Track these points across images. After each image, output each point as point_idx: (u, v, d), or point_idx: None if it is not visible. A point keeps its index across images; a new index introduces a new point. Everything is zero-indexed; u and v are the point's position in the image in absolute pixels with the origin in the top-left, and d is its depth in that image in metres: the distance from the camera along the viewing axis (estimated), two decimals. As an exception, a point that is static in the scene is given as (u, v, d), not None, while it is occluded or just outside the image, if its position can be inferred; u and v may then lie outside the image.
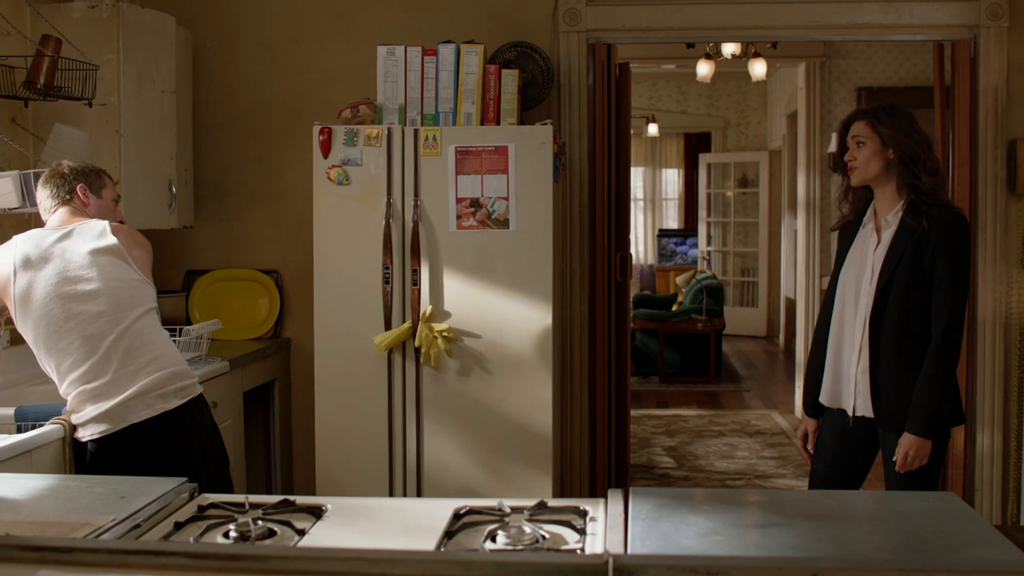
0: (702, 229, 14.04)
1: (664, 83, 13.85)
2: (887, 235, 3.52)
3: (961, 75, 4.94)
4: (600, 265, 4.96)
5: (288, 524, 2.13)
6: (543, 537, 2.02)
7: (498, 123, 4.33)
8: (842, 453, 3.62)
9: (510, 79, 4.38)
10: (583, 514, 2.16)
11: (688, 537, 1.92)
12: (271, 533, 2.10)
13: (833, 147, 7.42)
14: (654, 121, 13.70)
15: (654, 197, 15.15)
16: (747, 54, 8.71)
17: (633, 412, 8.47)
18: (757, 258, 13.52)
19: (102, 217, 3.54)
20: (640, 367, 10.48)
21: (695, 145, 14.39)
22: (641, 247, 14.98)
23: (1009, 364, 4.87)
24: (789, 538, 1.93)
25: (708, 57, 8.81)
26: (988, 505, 4.90)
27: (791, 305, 10.71)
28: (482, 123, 4.33)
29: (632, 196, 14.52)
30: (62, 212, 3.52)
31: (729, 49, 8.56)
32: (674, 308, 10.99)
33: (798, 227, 9.14)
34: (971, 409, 4.83)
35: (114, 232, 3.46)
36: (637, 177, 14.85)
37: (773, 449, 7.49)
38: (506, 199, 4.18)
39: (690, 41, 7.24)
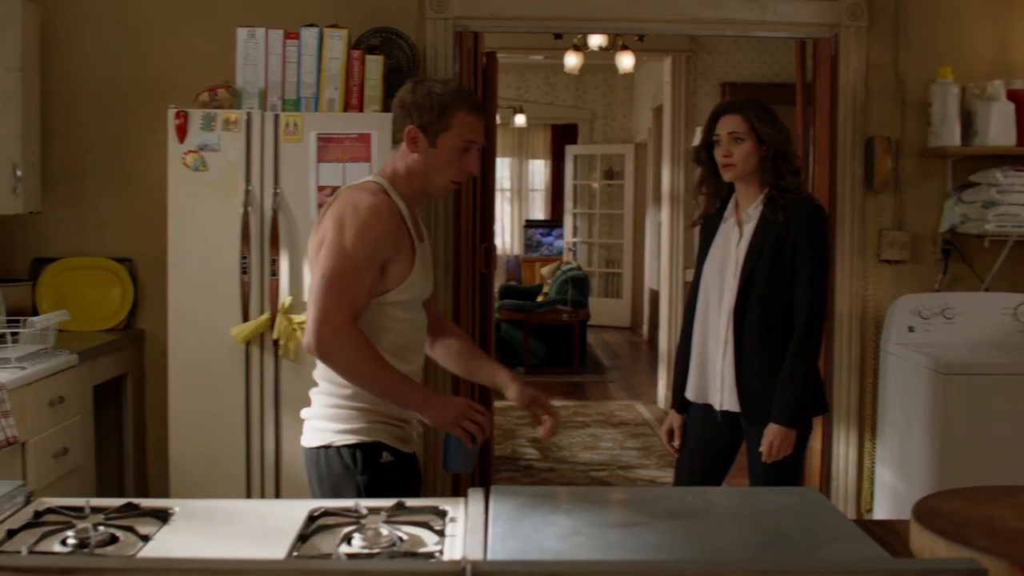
0: (568, 220, 14.11)
1: (532, 74, 13.86)
2: (749, 229, 3.54)
3: (822, 73, 5.02)
4: (464, 256, 4.89)
5: (131, 529, 2.01)
6: (401, 539, 1.95)
7: (362, 110, 4.23)
8: (709, 448, 3.64)
9: (375, 65, 4.28)
10: (442, 514, 2.10)
11: (550, 538, 1.87)
12: (113, 539, 1.98)
13: (697, 141, 7.51)
14: (522, 112, 13.70)
15: (521, 188, 15.16)
16: (614, 46, 8.75)
17: (498, 403, 8.43)
18: (622, 250, 13.64)
19: None
20: (505, 358, 10.46)
21: (562, 136, 14.45)
22: (507, 238, 14.99)
23: (865, 356, 4.98)
24: (652, 537, 1.90)
25: (576, 49, 8.83)
26: (843, 494, 5.00)
27: (655, 296, 10.83)
28: (345, 110, 4.22)
29: (498, 187, 14.48)
30: None
31: (596, 41, 8.59)
32: (539, 299, 11.01)
33: (662, 219, 9.23)
34: (829, 400, 4.91)
35: None
36: (504, 168, 14.84)
37: (636, 440, 7.55)
38: (369, 188, 4.08)
39: (558, 32, 7.20)
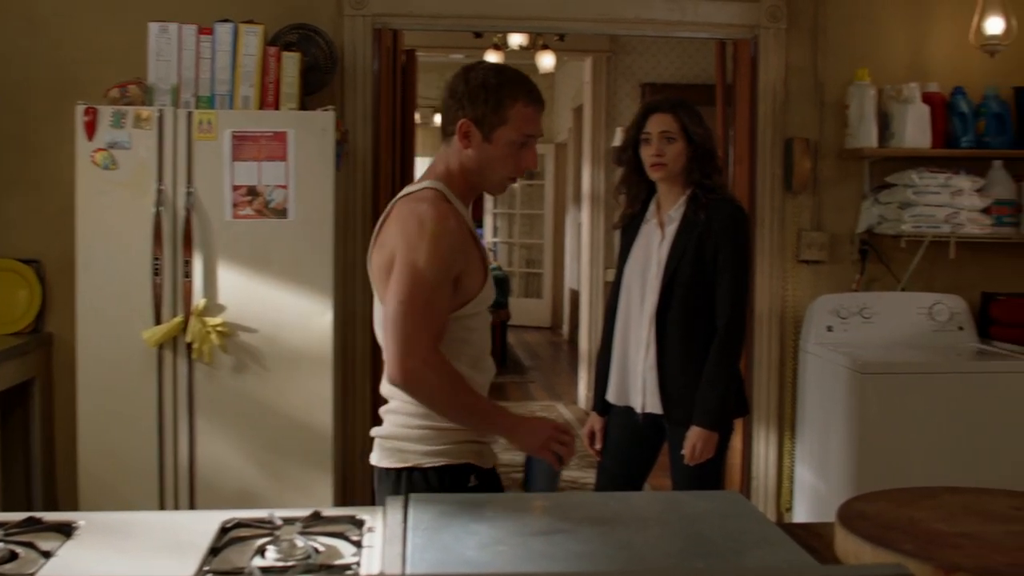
0: (488, 220, 14.07)
1: (452, 73, 13.76)
2: (671, 230, 3.52)
3: (741, 74, 5.03)
4: (385, 257, 4.81)
5: (32, 546, 1.92)
6: (316, 551, 1.88)
7: (278, 108, 4.14)
8: (630, 450, 3.62)
9: (291, 62, 4.19)
10: (360, 524, 2.03)
11: (471, 548, 1.82)
12: (12, 557, 1.88)
13: (618, 141, 7.51)
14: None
15: (441, 187, 15.07)
16: (535, 46, 8.72)
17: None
18: (542, 250, 13.64)
19: None
20: (426, 359, 10.37)
21: (483, 136, 14.37)
22: (428, 238, 14.88)
23: (784, 356, 5.00)
24: (575, 545, 1.86)
25: (496, 48, 8.78)
26: (763, 493, 5.02)
27: (575, 297, 10.83)
28: (261, 107, 4.12)
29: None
30: None
31: (517, 40, 8.55)
32: (461, 299, 10.93)
33: (583, 220, 9.23)
34: (749, 401, 4.93)
35: None
36: (425, 167, 14.73)
37: (557, 441, 7.51)
38: (285, 187, 3.99)
39: (478, 30, 7.17)
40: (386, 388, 2.66)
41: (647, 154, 3.52)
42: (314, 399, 4.04)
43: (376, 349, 4.80)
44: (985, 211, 4.87)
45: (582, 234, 9.24)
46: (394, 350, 2.43)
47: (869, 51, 4.99)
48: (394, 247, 2.51)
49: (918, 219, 4.77)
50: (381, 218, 2.65)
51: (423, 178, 2.67)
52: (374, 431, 2.72)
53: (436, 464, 2.55)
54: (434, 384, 2.44)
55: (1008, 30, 4.76)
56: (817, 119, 4.98)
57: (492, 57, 8.81)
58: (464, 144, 2.59)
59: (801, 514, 4.91)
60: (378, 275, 2.60)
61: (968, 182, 4.82)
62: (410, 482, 2.55)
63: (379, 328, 2.66)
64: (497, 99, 2.56)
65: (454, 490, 2.50)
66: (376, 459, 2.67)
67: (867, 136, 4.83)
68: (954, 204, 4.79)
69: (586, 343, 8.66)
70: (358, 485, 4.73)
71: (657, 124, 3.51)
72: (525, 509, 2.14)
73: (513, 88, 2.58)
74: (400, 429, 2.61)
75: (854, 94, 4.86)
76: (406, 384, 2.44)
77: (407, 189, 2.65)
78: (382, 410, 2.71)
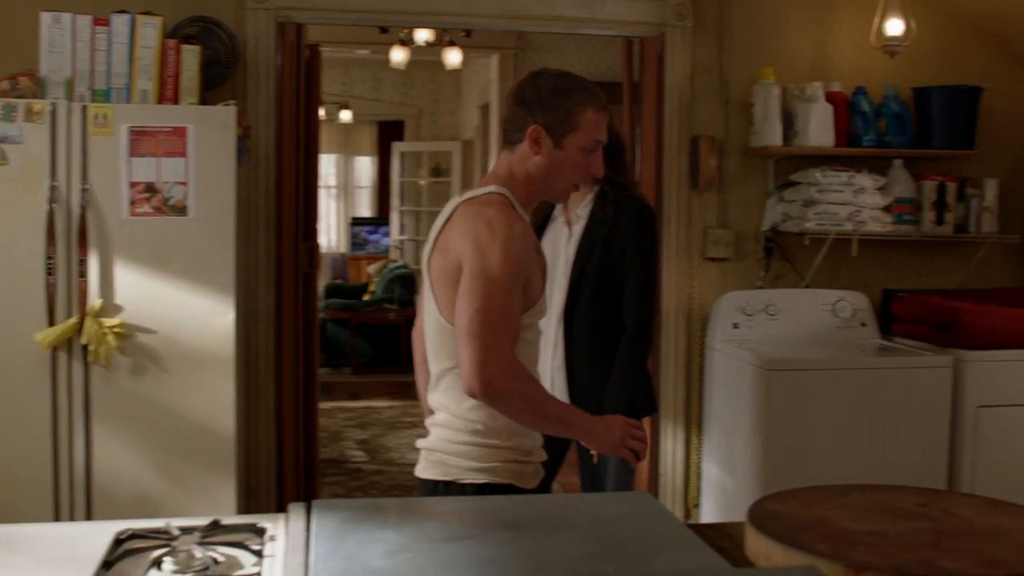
0: (395, 218, 13.96)
1: (358, 69, 13.65)
2: (578, 228, 3.51)
3: (648, 72, 5.04)
4: (287, 254, 4.73)
5: (-90, 561, 1.82)
6: (215, 562, 1.81)
7: (177, 102, 4.02)
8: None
9: (191, 56, 4.08)
10: (261, 532, 1.96)
11: (376, 556, 1.76)
12: None
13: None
14: (347, 108, 13.48)
15: (347, 185, 14.93)
16: (441, 42, 8.67)
17: (325, 405, 8.26)
18: (450, 247, 13.54)
19: None
20: (332, 358, 10.27)
21: (389, 133, 14.27)
22: (333, 235, 14.73)
23: (691, 353, 5.02)
24: (484, 551, 1.81)
25: (402, 44, 8.71)
26: (671, 490, 5.04)
27: (483, 295, 10.78)
28: (160, 102, 4.00)
29: (324, 183, 14.25)
30: None
31: (423, 36, 8.49)
32: (366, 298, 10.85)
33: (490, 217, 9.18)
34: (657, 398, 4.94)
35: None
36: (330, 164, 14.59)
37: (465, 440, 7.47)
38: (184, 184, 3.88)
39: (383, 25, 7.10)
40: (435, 400, 2.61)
41: None
42: (216, 401, 3.93)
43: (280, 349, 4.72)
44: (886, 209, 4.94)
45: (489, 232, 9.19)
46: (472, 360, 2.37)
47: (774, 50, 5.04)
48: (461, 253, 2.47)
49: (822, 217, 4.82)
50: (440, 220, 2.62)
51: (484, 182, 2.63)
52: (419, 443, 2.66)
53: (477, 481, 2.50)
54: (513, 391, 2.40)
55: (907, 31, 4.83)
56: (723, 117, 5.01)
57: (398, 53, 8.74)
58: (534, 150, 2.56)
59: (708, 510, 4.94)
60: (439, 279, 2.55)
61: (870, 180, 4.88)
62: (447, 495, 2.50)
63: (428, 331, 2.61)
64: (568, 105, 2.54)
65: None
66: (419, 470, 2.62)
67: (772, 134, 4.86)
68: (856, 202, 4.85)
69: (493, 341, 8.61)
70: (263, 490, 4.64)
71: None
72: (432, 514, 2.09)
73: (583, 94, 2.57)
74: (445, 443, 2.56)
75: (759, 93, 4.90)
76: (484, 394, 2.38)
77: (470, 192, 2.61)
78: (428, 422, 2.65)
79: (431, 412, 2.65)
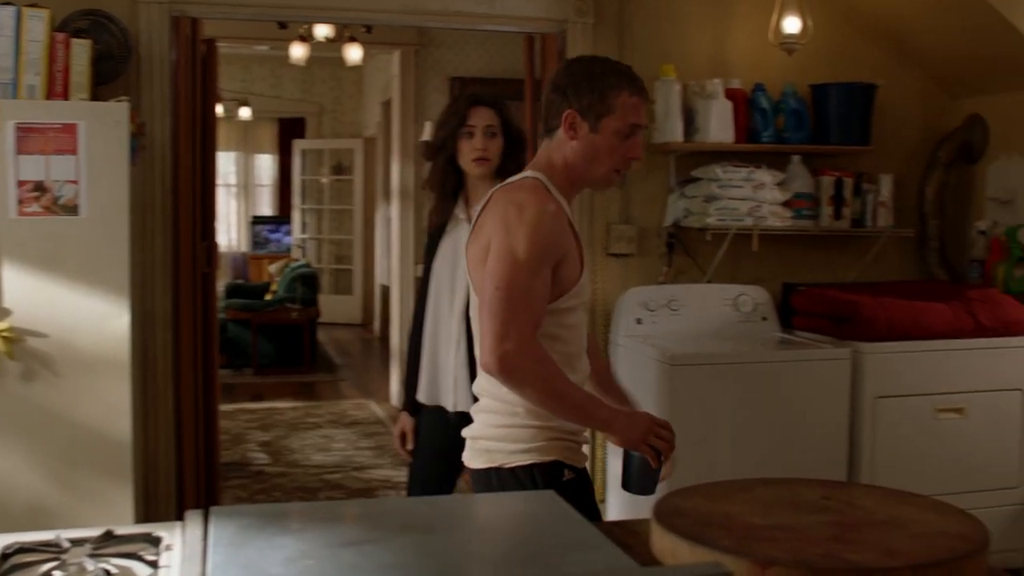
0: (296, 216, 13.81)
1: (258, 66, 13.47)
2: (479, 225, 3.47)
3: (549, 68, 5.02)
4: (184, 254, 4.62)
5: None
6: (108, 574, 1.74)
7: (67, 98, 3.89)
8: (442, 450, 3.55)
9: (82, 50, 3.95)
10: (156, 542, 1.90)
11: (276, 564, 1.72)
12: None
13: (427, 135, 7.43)
14: (247, 105, 13.29)
15: (247, 183, 14.72)
16: (342, 38, 8.58)
17: (226, 407, 8.13)
18: (352, 246, 13.48)
19: None
20: (233, 359, 10.12)
21: (289, 130, 14.11)
22: (234, 234, 14.52)
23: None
24: (387, 556, 1.77)
25: (302, 39, 8.60)
26: (576, 488, 5.03)
27: (386, 292, 10.73)
28: (48, 97, 3.87)
29: (223, 182, 14.03)
30: None
31: (323, 32, 8.39)
32: (267, 297, 10.70)
33: (392, 215, 9.14)
34: (561, 395, 4.95)
35: None
36: (230, 162, 14.37)
37: (370, 439, 7.42)
38: (75, 183, 3.76)
39: (281, 20, 6.99)
40: (477, 386, 2.60)
41: (469, 148, 3.44)
42: (111, 406, 3.82)
43: (179, 352, 4.61)
44: (785, 204, 5.00)
45: (392, 229, 9.15)
46: (489, 336, 2.38)
47: (674, 47, 5.07)
48: (491, 233, 2.47)
49: (722, 212, 4.86)
50: (479, 207, 2.61)
51: (523, 170, 2.63)
52: (465, 431, 2.65)
53: (523, 463, 2.50)
54: (529, 371, 2.39)
55: (804, 29, 4.90)
56: (624, 114, 5.01)
57: (298, 49, 8.63)
58: (570, 136, 2.54)
59: (615, 505, 4.95)
60: (474, 264, 2.56)
61: (769, 176, 4.94)
62: (500, 481, 2.48)
63: (474, 320, 2.59)
64: (602, 88, 2.51)
65: (548, 487, 2.40)
66: (467, 459, 2.63)
67: (673, 131, 4.89)
68: (756, 197, 4.90)
69: (397, 340, 8.58)
70: (162, 496, 4.53)
71: (481, 118, 3.44)
72: (334, 518, 2.04)
73: (617, 77, 2.54)
74: (488, 429, 2.57)
75: (660, 89, 4.92)
76: (500, 371, 2.38)
77: (508, 180, 2.61)
78: (473, 409, 2.64)
79: (475, 400, 2.65)
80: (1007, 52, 4.88)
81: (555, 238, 2.46)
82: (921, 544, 1.77)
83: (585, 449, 2.65)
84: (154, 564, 1.80)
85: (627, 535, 2.02)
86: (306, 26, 8.38)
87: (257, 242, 14.11)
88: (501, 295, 2.39)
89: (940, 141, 5.38)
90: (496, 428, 2.55)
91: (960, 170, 5.43)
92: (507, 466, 2.51)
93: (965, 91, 5.40)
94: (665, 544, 1.84)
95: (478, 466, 2.59)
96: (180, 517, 2.03)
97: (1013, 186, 5.14)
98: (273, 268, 12.19)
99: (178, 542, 1.89)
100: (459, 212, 3.54)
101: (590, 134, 2.53)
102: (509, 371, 2.39)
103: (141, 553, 1.85)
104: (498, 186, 2.62)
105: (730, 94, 4.94)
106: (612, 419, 2.51)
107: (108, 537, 1.91)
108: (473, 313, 2.61)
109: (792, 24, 4.90)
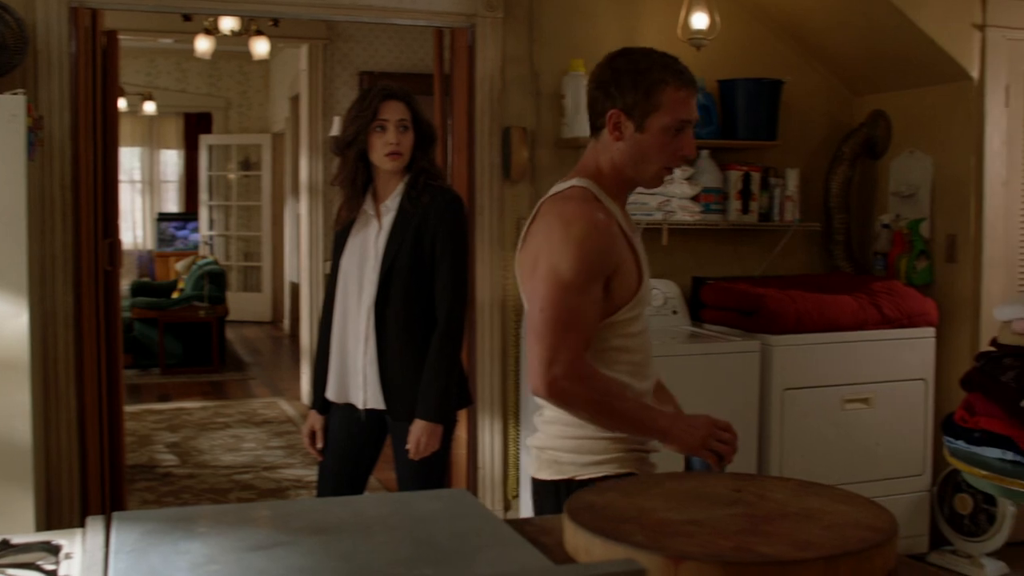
0: (204, 213, 13.59)
1: (163, 59, 13.22)
2: (387, 221, 3.44)
3: (459, 63, 5.00)
4: (86, 252, 4.50)
5: None
6: (4, 584, 1.68)
7: (-40, 91, 3.78)
8: (353, 448, 3.52)
9: (-26, 42, 3.84)
10: (56, 550, 1.83)
11: (181, 570, 1.66)
12: None
13: (335, 130, 7.36)
14: (151, 99, 13.03)
15: (153, 179, 14.45)
16: (248, 31, 8.45)
17: (133, 408, 7.98)
18: (260, 242, 13.32)
19: None
20: (139, 359, 9.93)
21: (196, 125, 13.88)
22: (139, 232, 14.25)
23: (506, 345, 5.02)
24: (296, 559, 1.73)
25: (208, 32, 8.45)
26: (490, 482, 5.03)
27: (296, 289, 10.61)
28: (-60, 90, 3.76)
29: (128, 178, 13.77)
30: None
31: (228, 24, 8.25)
32: (175, 295, 10.52)
33: (301, 211, 9.04)
34: (473, 391, 4.92)
35: None
36: (134, 158, 14.10)
37: (281, 438, 7.33)
38: (-31, 179, 3.65)
39: (185, 12, 6.86)
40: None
41: (382, 143, 3.39)
42: (11, 410, 3.71)
43: (81, 351, 4.50)
44: (694, 199, 5.04)
45: (301, 226, 9.05)
46: (536, 361, 2.32)
47: (583, 42, 5.07)
48: (538, 249, 2.38)
49: (632, 207, 4.86)
50: (529, 217, 2.51)
51: (571, 174, 2.51)
52: (529, 441, 2.56)
53: (597, 475, 2.42)
54: (579, 394, 2.33)
55: (712, 25, 4.94)
56: (534, 108, 5.02)
57: (203, 43, 8.47)
58: (615, 136, 2.41)
59: (527, 501, 4.95)
60: (523, 276, 2.49)
61: (679, 171, 4.97)
62: (571, 494, 2.31)
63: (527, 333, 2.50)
64: (647, 84, 2.37)
65: None
66: (534, 471, 2.53)
67: (582, 125, 4.88)
68: (665, 192, 4.93)
69: (307, 337, 8.49)
70: (65, 502, 4.41)
71: (393, 112, 3.40)
72: (242, 521, 1.99)
73: (662, 71, 2.39)
74: (558, 440, 2.47)
75: (569, 84, 4.92)
76: (550, 395, 2.33)
77: (555, 187, 2.49)
78: (536, 419, 2.55)
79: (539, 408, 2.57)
80: (909, 50, 4.98)
81: (604, 253, 2.36)
82: (833, 535, 1.78)
83: (653, 458, 2.57)
84: (53, 574, 1.74)
85: (541, 533, 2.00)
86: (211, 19, 8.23)
87: (163, 239, 13.86)
88: (546, 317, 2.33)
89: (844, 137, 5.47)
90: (567, 439, 2.47)
91: (864, 165, 5.53)
92: (579, 478, 2.43)
93: (868, 88, 5.50)
94: (579, 541, 1.83)
95: (546, 477, 2.50)
96: (84, 523, 1.97)
97: (915, 181, 5.24)
98: (180, 266, 11.98)
99: (78, 550, 1.83)
100: (368, 208, 3.50)
101: (636, 134, 2.41)
102: (560, 396, 2.34)
103: (39, 563, 1.79)
104: (546, 196, 2.50)
105: (639, 89, 4.95)
106: (670, 427, 2.42)
107: (4, 546, 1.84)
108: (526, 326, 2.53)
109: (700, 20, 4.94)
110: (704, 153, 5.12)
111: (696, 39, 4.95)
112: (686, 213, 5.00)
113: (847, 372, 4.76)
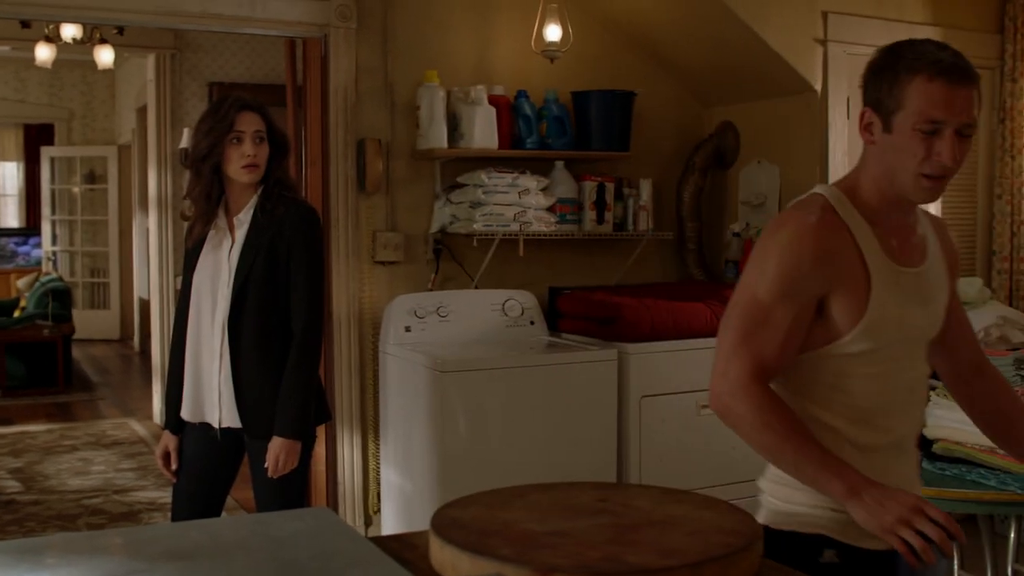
0: (46, 228, 13.12)
1: (0, 68, 12.73)
2: (241, 234, 3.37)
3: (312, 74, 4.94)
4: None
5: None
6: None
7: None
8: (209, 468, 3.43)
9: None
10: None
11: (28, 604, 1.59)
12: None
13: (185, 142, 7.19)
14: (-12, 109, 12.55)
15: (-10, 193, 13.89)
16: (92, 40, 8.20)
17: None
18: (108, 258, 12.93)
19: None
20: (-22, 381, 9.52)
21: (36, 137, 13.39)
22: (-23, 248, 13.69)
23: (364, 358, 4.96)
24: (153, 587, 1.67)
25: (48, 40, 8.16)
26: (351, 498, 4.96)
27: (145, 306, 10.33)
28: None
29: (-36, 191, 13.22)
30: None
31: (70, 32, 7.99)
32: (16, 314, 10.12)
33: (150, 225, 8.81)
34: (332, 406, 4.85)
35: None
36: (-30, 171, 13.54)
37: (132, 460, 7.11)
38: None
39: (23, 19, 6.60)
40: None
41: (238, 154, 3.30)
42: None
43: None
44: (550, 209, 5.07)
45: (150, 240, 8.82)
46: (713, 372, 2.16)
47: (438, 53, 5.06)
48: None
49: (488, 218, 4.88)
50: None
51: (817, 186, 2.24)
52: (759, 481, 2.30)
53: (782, 528, 2.15)
54: (742, 417, 2.09)
55: (565, 37, 4.98)
56: (389, 120, 4.98)
57: (43, 51, 8.18)
58: (867, 139, 2.13)
59: (389, 516, 4.90)
60: None
61: (534, 182, 4.99)
62: (795, 552, 2.09)
63: None
64: (892, 77, 2.06)
65: (803, 565, 1.98)
66: (761, 517, 2.23)
67: (437, 137, 4.88)
68: (522, 203, 4.95)
69: (159, 354, 8.26)
70: None
71: (249, 123, 3.32)
72: (94, 550, 1.91)
73: (912, 61, 2.04)
74: (768, 471, 2.25)
75: (424, 95, 4.90)
76: (714, 408, 2.15)
77: (798, 198, 2.24)
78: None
79: None
80: (755, 63, 5.11)
81: (814, 265, 2.08)
82: (697, 541, 1.80)
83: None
84: None
85: (405, 549, 1.97)
86: (52, 26, 7.95)
87: (3, 256, 13.33)
88: (726, 325, 2.16)
89: (695, 147, 5.58)
90: (771, 477, 2.25)
91: (714, 175, 5.65)
92: (767, 527, 2.12)
93: (717, 99, 5.62)
94: (445, 556, 1.81)
95: (768, 523, 2.21)
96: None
97: (762, 190, 5.38)
98: (21, 283, 11.54)
99: (-85, 586, 1.73)
100: (220, 222, 3.42)
101: (884, 134, 2.10)
102: (720, 409, 2.15)
103: None
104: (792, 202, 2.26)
105: (494, 100, 4.96)
106: (850, 492, 1.99)
107: None
108: None
109: (553, 32, 4.98)
110: (559, 164, 5.16)
111: (550, 51, 4.99)
112: (542, 224, 5.02)
113: (703, 378, 4.78)
